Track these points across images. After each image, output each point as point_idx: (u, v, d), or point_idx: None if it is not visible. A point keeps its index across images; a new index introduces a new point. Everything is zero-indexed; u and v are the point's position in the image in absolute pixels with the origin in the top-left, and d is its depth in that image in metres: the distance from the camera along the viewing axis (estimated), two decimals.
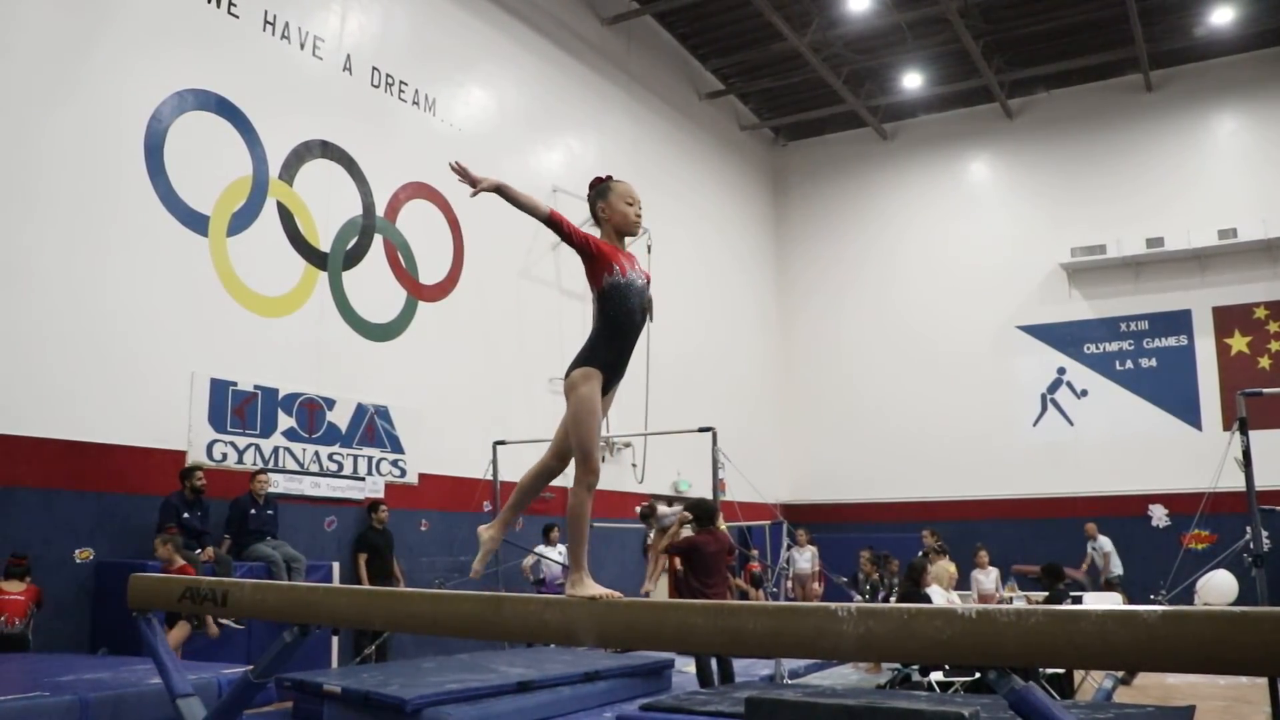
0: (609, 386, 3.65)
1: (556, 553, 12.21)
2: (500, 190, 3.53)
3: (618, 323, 3.63)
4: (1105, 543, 15.28)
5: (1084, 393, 17.91)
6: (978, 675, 7.90)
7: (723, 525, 9.06)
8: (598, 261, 3.63)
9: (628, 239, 3.85)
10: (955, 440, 18.30)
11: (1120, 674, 9.28)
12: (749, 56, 17.83)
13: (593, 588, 3.42)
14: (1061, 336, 18.15)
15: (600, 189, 3.84)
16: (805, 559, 15.38)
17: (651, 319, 4.03)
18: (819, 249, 20.30)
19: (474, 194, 3.61)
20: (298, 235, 10.70)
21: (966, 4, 15.47)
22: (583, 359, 3.61)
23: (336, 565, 10.15)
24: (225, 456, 9.68)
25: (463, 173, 3.59)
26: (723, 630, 3.17)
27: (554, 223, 3.54)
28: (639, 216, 3.80)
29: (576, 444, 3.52)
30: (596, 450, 3.49)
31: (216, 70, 9.96)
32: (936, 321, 18.97)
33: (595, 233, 3.80)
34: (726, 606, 3.19)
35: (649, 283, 3.81)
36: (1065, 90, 18.46)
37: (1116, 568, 14.94)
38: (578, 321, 14.28)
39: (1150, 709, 6.23)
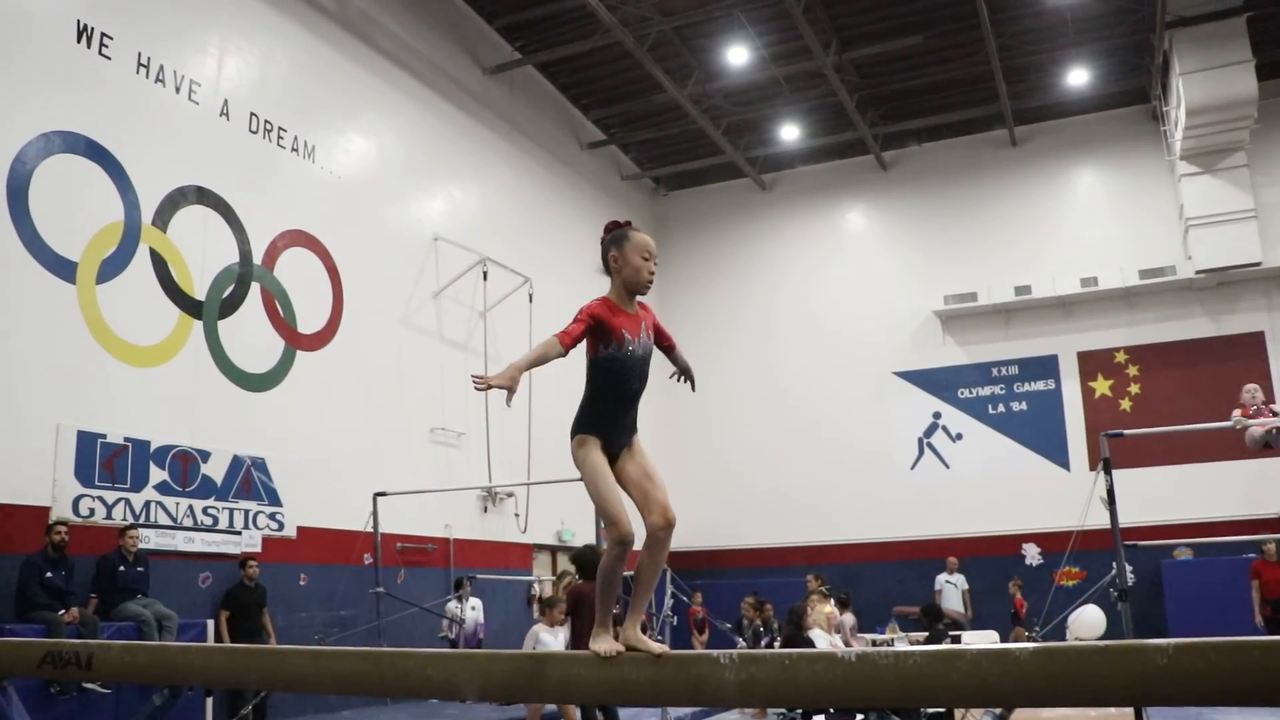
0: (615, 447, 3.46)
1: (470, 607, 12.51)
2: (518, 372, 3.23)
3: (604, 395, 3.45)
4: (961, 580, 15.64)
5: (959, 436, 18.38)
6: (860, 717, 8.01)
7: None
8: (597, 335, 3.42)
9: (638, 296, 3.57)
10: (836, 485, 18.55)
11: (998, 710, 9.51)
12: (630, 107, 18.05)
13: (605, 643, 3.23)
14: (936, 382, 18.60)
15: (616, 235, 3.54)
16: None
17: (693, 388, 3.91)
18: (699, 297, 20.45)
19: (486, 388, 3.22)
20: (171, 283, 10.41)
21: (841, 60, 15.94)
22: (576, 425, 3.45)
23: (211, 623, 9.77)
24: (93, 512, 9.30)
25: (481, 381, 3.27)
26: (606, 680, 3.16)
27: (572, 344, 3.34)
28: (652, 275, 3.53)
29: (598, 510, 3.39)
30: (619, 510, 3.29)
31: (87, 112, 9.67)
32: (815, 368, 19.26)
33: (606, 285, 3.53)
34: (609, 657, 3.17)
35: (673, 347, 3.68)
36: (936, 144, 19.12)
37: (955, 604, 15.24)
38: (459, 371, 14.11)
39: None
